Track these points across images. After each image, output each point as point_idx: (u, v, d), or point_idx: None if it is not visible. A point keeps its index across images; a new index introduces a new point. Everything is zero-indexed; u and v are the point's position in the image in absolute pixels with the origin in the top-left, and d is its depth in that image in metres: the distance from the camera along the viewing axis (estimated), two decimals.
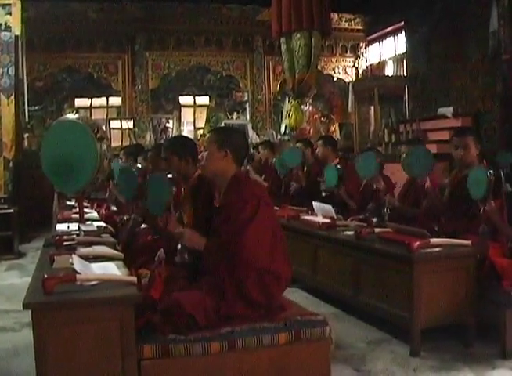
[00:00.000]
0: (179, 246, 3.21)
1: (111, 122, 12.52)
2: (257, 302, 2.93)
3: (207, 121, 13.82)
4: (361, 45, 14.09)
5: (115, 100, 13.20)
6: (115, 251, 3.56)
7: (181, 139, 4.40)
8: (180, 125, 13.85)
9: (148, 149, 7.21)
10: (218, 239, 3.04)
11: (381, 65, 13.74)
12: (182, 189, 3.97)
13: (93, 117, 12.09)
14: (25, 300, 2.50)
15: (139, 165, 6.14)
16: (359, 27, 13.91)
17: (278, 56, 12.17)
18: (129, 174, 4.90)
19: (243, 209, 2.96)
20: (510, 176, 5.52)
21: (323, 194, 6.05)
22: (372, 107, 12.12)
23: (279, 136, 12.14)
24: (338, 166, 5.89)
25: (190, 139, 4.33)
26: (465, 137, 4.46)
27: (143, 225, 4.84)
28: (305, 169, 6.85)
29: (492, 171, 3.92)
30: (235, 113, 14.18)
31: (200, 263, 3.14)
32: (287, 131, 11.65)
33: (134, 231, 4.69)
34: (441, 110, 10.05)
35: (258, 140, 11.50)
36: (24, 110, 10.00)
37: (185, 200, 3.86)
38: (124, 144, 11.16)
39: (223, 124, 12.27)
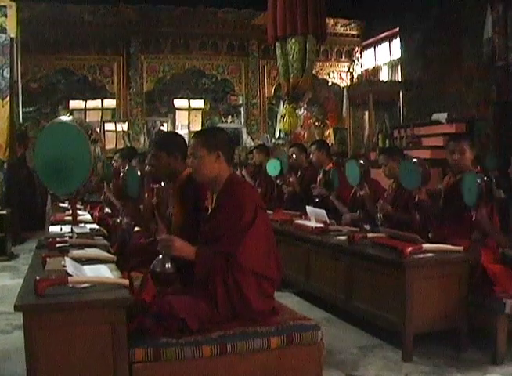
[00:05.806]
0: (160, 255, 2.90)
1: (105, 124, 12.49)
2: (255, 307, 2.91)
3: (203, 125, 13.81)
4: (356, 50, 14.10)
5: (110, 103, 13.18)
6: (108, 254, 3.55)
7: (170, 135, 4.36)
8: (174, 128, 13.83)
9: (143, 152, 7.21)
10: (209, 246, 2.97)
11: (376, 70, 13.77)
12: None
13: (87, 120, 12.09)
14: (16, 302, 2.49)
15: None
16: (354, 32, 13.94)
17: (273, 60, 12.18)
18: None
19: (242, 215, 2.92)
20: (500, 181, 5.55)
21: (316, 200, 6.06)
22: (366, 112, 12.15)
23: (273, 140, 12.15)
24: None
25: (180, 136, 4.21)
26: (462, 142, 4.53)
27: (136, 229, 4.83)
28: (299, 174, 6.85)
29: (480, 179, 3.95)
30: (229, 117, 14.18)
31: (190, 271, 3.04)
32: (282, 135, 11.65)
33: (130, 233, 4.67)
34: (436, 116, 10.07)
35: (253, 144, 11.50)
36: (18, 111, 9.98)
37: (173, 198, 3.80)
38: (119, 147, 11.16)
39: None
